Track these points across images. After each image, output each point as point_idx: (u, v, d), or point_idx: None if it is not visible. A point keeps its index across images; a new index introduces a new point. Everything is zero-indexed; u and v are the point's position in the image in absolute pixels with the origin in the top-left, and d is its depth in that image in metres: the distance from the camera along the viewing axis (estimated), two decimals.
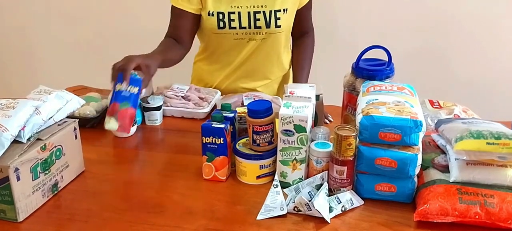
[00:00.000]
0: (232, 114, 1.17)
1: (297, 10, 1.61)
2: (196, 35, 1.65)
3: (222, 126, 1.10)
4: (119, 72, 1.21)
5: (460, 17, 2.28)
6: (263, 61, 1.64)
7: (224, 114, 1.15)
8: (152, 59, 1.33)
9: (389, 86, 1.16)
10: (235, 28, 1.54)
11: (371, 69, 1.27)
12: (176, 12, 1.56)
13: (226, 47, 1.60)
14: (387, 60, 1.29)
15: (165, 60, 1.44)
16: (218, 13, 1.51)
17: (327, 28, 2.40)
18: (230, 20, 1.52)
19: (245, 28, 1.54)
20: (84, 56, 2.70)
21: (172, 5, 1.56)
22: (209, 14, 1.51)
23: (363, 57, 1.29)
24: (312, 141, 1.12)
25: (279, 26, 1.55)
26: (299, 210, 1.02)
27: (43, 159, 1.03)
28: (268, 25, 1.54)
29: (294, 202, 1.02)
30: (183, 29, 1.57)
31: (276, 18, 1.53)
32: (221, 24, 1.52)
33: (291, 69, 1.77)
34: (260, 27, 1.54)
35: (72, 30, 2.66)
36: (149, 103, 1.44)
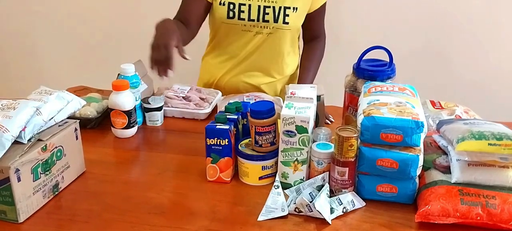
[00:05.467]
0: (236, 116, 1.17)
1: (309, 14, 1.63)
2: (208, 24, 1.67)
3: (226, 127, 1.10)
4: (162, 65, 1.23)
5: (461, 18, 2.27)
6: (267, 57, 1.65)
7: (227, 115, 1.15)
8: (173, 26, 1.34)
9: (391, 87, 1.16)
10: (243, 19, 1.56)
11: (372, 70, 1.26)
12: None
13: (233, 38, 1.62)
14: (388, 60, 1.29)
15: (183, 35, 1.45)
16: (229, 3, 1.55)
17: (328, 29, 2.39)
18: (240, 11, 1.55)
19: (253, 20, 1.56)
20: (85, 57, 2.70)
21: None
22: (220, 4, 1.55)
23: (365, 57, 1.29)
24: (314, 141, 1.12)
25: (287, 23, 1.57)
26: (300, 211, 1.01)
27: (44, 160, 1.03)
28: (276, 20, 1.56)
29: (295, 203, 1.02)
30: (193, 13, 1.58)
31: (285, 15, 1.56)
32: (231, 13, 1.56)
33: (297, 71, 1.78)
34: (268, 21, 1.57)
35: (73, 31, 2.66)
36: (150, 103, 1.44)
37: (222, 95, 1.61)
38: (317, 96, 1.24)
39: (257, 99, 1.48)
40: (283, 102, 1.19)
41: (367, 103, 1.09)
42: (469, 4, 2.24)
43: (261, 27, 1.58)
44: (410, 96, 1.12)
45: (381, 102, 1.08)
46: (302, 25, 1.68)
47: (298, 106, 1.08)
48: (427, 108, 1.35)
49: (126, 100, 1.34)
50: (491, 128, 1.00)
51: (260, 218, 1.01)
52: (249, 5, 1.54)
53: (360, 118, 1.04)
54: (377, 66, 1.28)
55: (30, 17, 2.71)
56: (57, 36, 2.71)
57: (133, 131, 1.39)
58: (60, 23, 2.67)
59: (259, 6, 1.55)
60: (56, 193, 1.09)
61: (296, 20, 1.60)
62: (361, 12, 2.35)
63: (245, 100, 1.49)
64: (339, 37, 2.37)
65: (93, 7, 2.58)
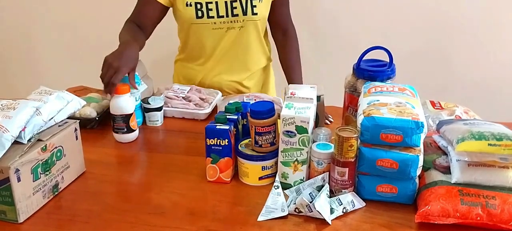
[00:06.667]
0: (236, 116, 1.17)
1: (273, 2, 1.64)
2: (176, 32, 1.69)
3: (226, 127, 1.10)
4: (112, 85, 1.30)
5: (461, 18, 2.27)
6: (242, 51, 1.66)
7: (227, 116, 1.15)
8: (133, 53, 1.39)
9: (390, 87, 1.16)
10: (213, 17, 1.57)
11: (372, 70, 1.26)
12: (144, 0, 1.58)
13: (205, 38, 1.62)
14: (388, 61, 1.29)
15: (140, 47, 1.48)
16: (196, 3, 1.54)
17: (328, 29, 2.40)
18: (208, 9, 1.55)
19: (223, 16, 1.57)
20: (85, 57, 2.69)
21: None
22: (187, 5, 1.55)
23: (364, 58, 1.29)
24: (314, 142, 1.12)
25: (256, 14, 1.59)
26: (300, 211, 1.01)
27: (43, 160, 1.03)
28: (245, 13, 1.57)
29: (295, 203, 1.02)
30: (148, 17, 1.59)
31: (252, 6, 1.57)
32: (200, 13, 1.55)
33: (271, 62, 1.81)
34: (237, 15, 1.57)
35: (73, 31, 2.66)
36: (150, 104, 1.44)
37: (222, 96, 1.62)
38: (317, 96, 1.24)
39: (257, 100, 1.48)
40: (283, 101, 1.19)
41: (367, 104, 1.09)
42: (470, 4, 2.24)
43: (231, 22, 1.58)
44: (410, 97, 1.12)
45: (381, 102, 1.08)
46: (269, 19, 1.68)
47: (298, 106, 1.08)
48: (427, 108, 1.35)
49: (127, 104, 1.33)
50: (491, 128, 1.00)
51: (260, 218, 1.01)
52: (216, 3, 1.55)
53: (360, 118, 1.04)
54: (377, 67, 1.28)
55: (30, 17, 2.71)
56: (57, 36, 2.71)
57: (135, 134, 1.37)
58: (60, 23, 2.67)
59: (226, 2, 1.55)
60: (56, 193, 1.09)
61: (264, 9, 1.62)
62: (361, 12, 2.35)
63: (245, 100, 1.49)
64: (339, 38, 2.37)
65: (93, 7, 2.58)
